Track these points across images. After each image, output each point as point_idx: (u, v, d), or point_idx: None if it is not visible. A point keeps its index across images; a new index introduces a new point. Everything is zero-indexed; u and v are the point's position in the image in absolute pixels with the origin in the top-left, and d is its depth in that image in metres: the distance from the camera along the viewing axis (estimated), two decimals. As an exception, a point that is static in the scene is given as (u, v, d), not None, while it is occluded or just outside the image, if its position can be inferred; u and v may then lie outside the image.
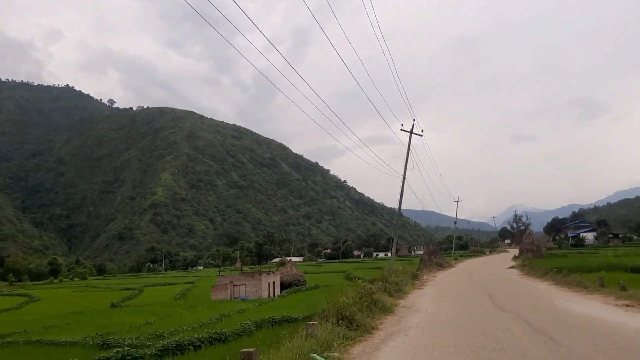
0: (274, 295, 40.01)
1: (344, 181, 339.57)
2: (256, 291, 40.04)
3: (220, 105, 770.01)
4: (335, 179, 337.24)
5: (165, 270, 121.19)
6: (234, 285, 40.85)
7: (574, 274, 23.09)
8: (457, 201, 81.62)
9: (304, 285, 41.35)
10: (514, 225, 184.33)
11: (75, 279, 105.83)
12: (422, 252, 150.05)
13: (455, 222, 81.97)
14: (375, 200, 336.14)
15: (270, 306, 26.09)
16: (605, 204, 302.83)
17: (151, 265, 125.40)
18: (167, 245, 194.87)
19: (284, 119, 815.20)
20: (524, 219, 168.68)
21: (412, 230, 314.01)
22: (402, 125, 35.21)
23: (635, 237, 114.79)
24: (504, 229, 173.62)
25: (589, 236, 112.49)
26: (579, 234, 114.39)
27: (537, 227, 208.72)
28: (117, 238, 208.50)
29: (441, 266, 48.78)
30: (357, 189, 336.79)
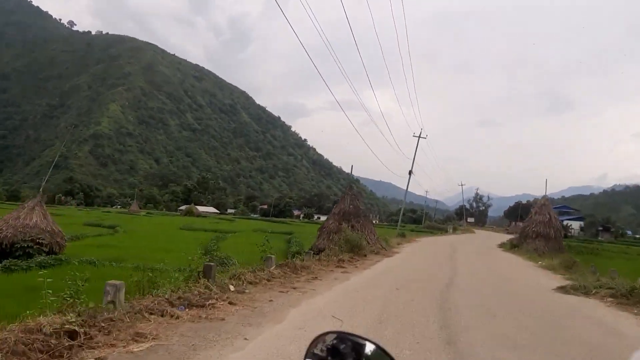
0: None
1: (304, 140, 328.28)
2: None
3: (191, 47, 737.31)
4: (295, 137, 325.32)
5: (78, 205, 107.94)
6: None
7: None
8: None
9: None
10: (474, 204, 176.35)
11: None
12: (374, 221, 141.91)
13: (410, 172, 49.66)
14: (333, 163, 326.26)
15: None
16: (559, 197, 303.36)
17: (63, 198, 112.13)
18: (104, 181, 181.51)
19: (254, 70, 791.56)
20: (485, 200, 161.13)
21: (366, 198, 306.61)
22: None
23: (629, 232, 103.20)
24: (462, 207, 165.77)
25: (574, 225, 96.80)
26: (562, 221, 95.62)
27: (492, 212, 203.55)
28: (49, 166, 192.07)
29: (359, 253, 21.97)
30: (316, 150, 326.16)
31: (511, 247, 37.09)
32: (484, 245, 44.08)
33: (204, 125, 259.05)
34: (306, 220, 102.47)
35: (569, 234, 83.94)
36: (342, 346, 1.48)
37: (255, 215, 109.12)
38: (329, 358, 1.46)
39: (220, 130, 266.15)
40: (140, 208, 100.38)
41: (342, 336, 1.51)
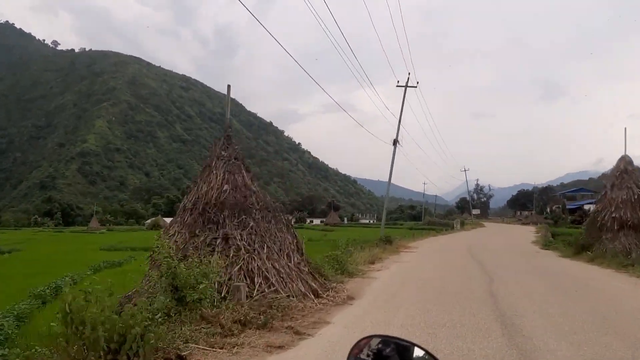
0: None
1: (298, 144, 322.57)
2: None
3: (178, 58, 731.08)
4: (289, 141, 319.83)
5: (56, 226, 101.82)
6: None
7: None
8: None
9: None
10: (475, 196, 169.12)
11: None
12: (367, 221, 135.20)
13: (395, 141, 35.45)
14: (330, 165, 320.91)
15: None
16: (558, 184, 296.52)
17: (38, 219, 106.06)
18: (94, 199, 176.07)
19: (244, 78, 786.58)
20: (486, 190, 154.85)
21: (365, 198, 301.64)
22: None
23: None
24: (463, 200, 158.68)
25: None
26: (582, 205, 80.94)
27: (492, 203, 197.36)
28: (38, 187, 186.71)
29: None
30: (311, 153, 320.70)
31: (577, 250, 23.38)
32: (521, 248, 30.34)
33: (194, 135, 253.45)
34: (298, 224, 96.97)
35: None
36: (387, 350, 1.39)
37: None
38: None
39: (211, 140, 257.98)
40: (103, 224, 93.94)
41: (387, 340, 1.42)
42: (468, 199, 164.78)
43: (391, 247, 27.13)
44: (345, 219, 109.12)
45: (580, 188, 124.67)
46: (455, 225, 67.19)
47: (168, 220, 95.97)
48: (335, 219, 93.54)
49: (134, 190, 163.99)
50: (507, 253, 26.67)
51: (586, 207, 79.41)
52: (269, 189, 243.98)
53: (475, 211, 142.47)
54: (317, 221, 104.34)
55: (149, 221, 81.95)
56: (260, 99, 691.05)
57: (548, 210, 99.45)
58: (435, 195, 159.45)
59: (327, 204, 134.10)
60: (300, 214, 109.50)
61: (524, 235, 45.72)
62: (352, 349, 1.45)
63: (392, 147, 33.31)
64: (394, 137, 33.61)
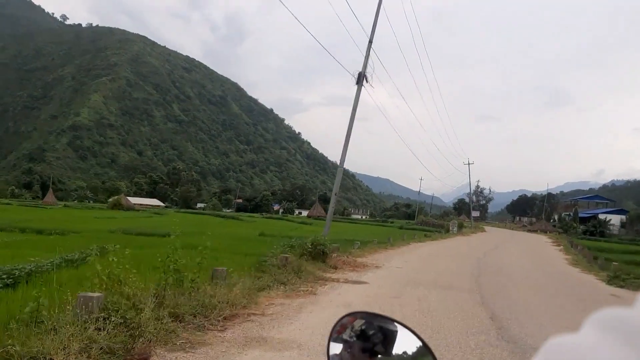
0: None
1: (298, 133, 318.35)
2: None
3: (186, 41, 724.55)
4: (289, 130, 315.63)
5: (34, 199, 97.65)
6: None
7: None
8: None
9: None
10: (474, 198, 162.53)
11: None
12: (359, 216, 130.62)
13: (361, 76, 26.05)
14: (329, 158, 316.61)
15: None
16: (558, 192, 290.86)
17: (16, 191, 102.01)
18: (84, 174, 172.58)
19: (250, 65, 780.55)
20: (486, 193, 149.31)
21: (362, 194, 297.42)
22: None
23: None
24: (461, 201, 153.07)
25: (614, 220, 72.20)
26: (596, 215, 73.26)
27: (490, 207, 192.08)
28: (26, 159, 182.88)
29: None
30: (311, 144, 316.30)
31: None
32: (566, 279, 17.65)
33: (191, 116, 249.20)
34: (287, 214, 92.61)
35: (608, 231, 66.18)
36: (371, 330, 1.36)
37: (228, 210, 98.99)
38: (355, 341, 1.35)
39: (208, 122, 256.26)
40: (59, 200, 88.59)
41: (369, 318, 1.39)
42: (468, 198, 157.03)
43: (315, 271, 13.25)
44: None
45: (595, 195, 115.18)
46: (451, 228, 54.61)
47: (134, 200, 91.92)
48: (320, 212, 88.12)
49: (122, 168, 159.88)
50: (556, 294, 13.38)
51: (601, 216, 71.14)
52: (265, 177, 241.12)
53: (475, 213, 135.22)
54: (305, 213, 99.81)
55: (110, 199, 76.60)
56: (265, 87, 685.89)
57: (556, 217, 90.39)
58: (432, 195, 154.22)
59: (319, 197, 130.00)
60: (289, 205, 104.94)
61: (543, 247, 36.23)
62: (334, 326, 1.41)
63: (357, 89, 20.11)
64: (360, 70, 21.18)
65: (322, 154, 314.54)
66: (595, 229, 63.86)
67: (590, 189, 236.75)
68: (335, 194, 22.79)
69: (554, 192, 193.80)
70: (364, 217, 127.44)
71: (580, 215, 78.87)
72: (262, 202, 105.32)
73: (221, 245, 15.52)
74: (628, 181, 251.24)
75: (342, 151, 22.30)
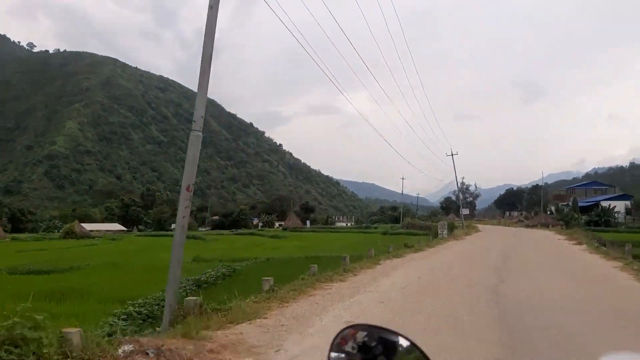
0: None
1: (279, 145, 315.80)
2: None
3: (158, 60, 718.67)
4: (270, 142, 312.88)
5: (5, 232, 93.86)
6: None
7: None
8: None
9: None
10: (460, 195, 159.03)
11: None
12: (344, 224, 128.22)
13: None
14: (312, 167, 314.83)
15: None
16: (543, 184, 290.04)
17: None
18: (61, 203, 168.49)
19: (227, 81, 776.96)
20: (472, 189, 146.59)
21: (348, 200, 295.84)
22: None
23: None
24: (448, 199, 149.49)
25: (619, 206, 65.99)
26: (598, 202, 68.23)
27: (480, 203, 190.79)
28: (2, 192, 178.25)
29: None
30: (292, 154, 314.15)
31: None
32: None
33: (170, 137, 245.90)
34: (266, 228, 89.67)
35: (614, 220, 60.51)
36: (372, 342, 1.32)
37: (203, 229, 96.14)
38: (357, 353, 1.32)
39: (187, 141, 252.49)
40: (6, 232, 79.93)
41: (371, 330, 1.36)
42: (455, 196, 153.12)
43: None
44: (308, 222, 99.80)
45: (592, 181, 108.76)
46: (440, 232, 41.75)
47: (94, 226, 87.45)
48: (296, 223, 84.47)
49: (95, 193, 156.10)
50: None
51: (604, 204, 65.89)
52: (248, 191, 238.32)
53: (464, 211, 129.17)
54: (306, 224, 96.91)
55: (63, 228, 70.78)
56: (244, 102, 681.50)
57: (552, 209, 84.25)
58: (417, 195, 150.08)
59: (301, 206, 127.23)
60: (269, 217, 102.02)
61: (566, 250, 28.27)
62: (335, 337, 1.38)
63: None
64: None
65: (305, 164, 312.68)
66: (599, 218, 59.00)
67: (574, 179, 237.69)
68: (189, 190, 10.30)
69: (539, 184, 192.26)
70: (348, 224, 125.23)
71: (583, 203, 74.01)
72: (239, 217, 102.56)
73: (98, 286, 15.27)
74: (610, 168, 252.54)
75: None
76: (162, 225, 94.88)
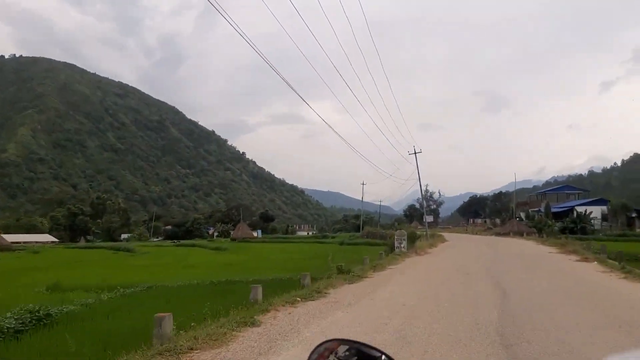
0: None
1: (242, 153, 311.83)
2: None
3: (122, 68, 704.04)
4: (232, 150, 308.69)
5: None
6: None
7: None
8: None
9: None
10: (424, 203, 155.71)
11: None
12: (305, 233, 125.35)
13: None
14: (276, 175, 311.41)
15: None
16: (505, 192, 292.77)
17: None
18: (14, 213, 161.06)
19: (190, 89, 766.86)
20: (436, 197, 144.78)
21: (312, 209, 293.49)
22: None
23: None
24: (411, 207, 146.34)
25: (595, 212, 60.50)
26: (572, 208, 63.22)
27: (443, 211, 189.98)
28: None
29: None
30: (256, 162, 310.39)
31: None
32: None
33: (128, 144, 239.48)
34: (221, 238, 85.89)
35: (590, 227, 56.03)
36: (352, 357, 1.29)
37: (155, 239, 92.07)
38: None
39: (147, 149, 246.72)
40: None
41: (351, 345, 1.32)
42: (418, 203, 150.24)
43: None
44: (259, 232, 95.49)
45: (564, 185, 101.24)
46: (397, 245, 31.64)
47: (16, 237, 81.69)
48: (246, 233, 79.89)
49: (45, 202, 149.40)
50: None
51: (579, 209, 60.78)
52: (210, 200, 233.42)
53: (429, 218, 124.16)
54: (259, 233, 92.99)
55: None
56: (207, 111, 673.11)
57: (522, 215, 76.41)
58: (380, 202, 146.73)
59: (260, 215, 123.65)
60: (225, 227, 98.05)
61: (597, 280, 16.47)
62: (314, 350, 1.35)
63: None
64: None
65: (269, 172, 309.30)
66: (575, 225, 54.56)
67: (534, 187, 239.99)
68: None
69: (502, 191, 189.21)
70: (310, 233, 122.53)
71: (556, 208, 68.65)
72: (192, 227, 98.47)
73: None
74: (570, 176, 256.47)
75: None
76: (111, 235, 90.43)
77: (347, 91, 28.92)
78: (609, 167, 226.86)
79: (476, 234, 74.83)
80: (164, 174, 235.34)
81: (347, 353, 1.29)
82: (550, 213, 64.67)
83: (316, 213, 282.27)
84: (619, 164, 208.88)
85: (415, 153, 50.62)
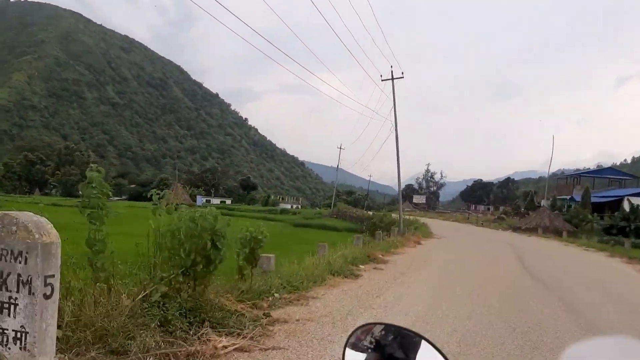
0: None
1: (245, 119, 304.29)
2: None
3: (134, 26, 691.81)
4: (235, 116, 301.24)
5: None
6: None
7: None
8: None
9: None
10: (424, 183, 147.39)
11: None
12: (289, 206, 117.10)
13: None
14: (277, 145, 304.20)
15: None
16: (547, 173, 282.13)
17: None
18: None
19: (200, 51, 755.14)
20: (437, 178, 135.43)
21: (312, 182, 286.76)
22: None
23: None
24: (409, 187, 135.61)
25: None
26: (623, 197, 46.78)
27: (442, 196, 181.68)
28: None
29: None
30: (258, 130, 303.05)
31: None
32: None
33: (127, 99, 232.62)
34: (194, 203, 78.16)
35: None
36: (389, 338, 1.29)
37: (115, 198, 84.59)
38: (371, 350, 1.29)
39: (146, 106, 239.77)
40: None
41: (388, 328, 1.33)
42: (415, 186, 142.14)
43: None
44: (201, 198, 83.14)
45: (607, 168, 71.96)
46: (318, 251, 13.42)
47: None
48: (182, 198, 59.70)
49: (15, 149, 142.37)
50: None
51: (634, 200, 43.39)
52: (205, 164, 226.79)
53: (419, 198, 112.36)
54: (216, 201, 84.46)
55: None
56: (214, 73, 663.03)
57: (543, 203, 57.75)
58: (369, 178, 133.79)
59: (241, 182, 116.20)
60: (196, 191, 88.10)
61: None
62: (351, 334, 1.35)
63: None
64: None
65: (270, 141, 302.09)
66: (627, 223, 37.64)
67: (541, 178, 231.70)
68: None
69: (510, 177, 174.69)
70: (294, 206, 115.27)
71: (596, 197, 51.80)
72: (159, 188, 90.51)
73: None
74: (577, 169, 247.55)
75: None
76: (68, 189, 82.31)
77: (358, 68, 23.82)
78: (618, 163, 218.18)
79: (481, 224, 58.15)
80: (161, 133, 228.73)
81: (382, 333, 1.32)
82: (590, 203, 48.51)
83: (315, 187, 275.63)
84: (629, 160, 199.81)
85: (392, 79, 30.48)
